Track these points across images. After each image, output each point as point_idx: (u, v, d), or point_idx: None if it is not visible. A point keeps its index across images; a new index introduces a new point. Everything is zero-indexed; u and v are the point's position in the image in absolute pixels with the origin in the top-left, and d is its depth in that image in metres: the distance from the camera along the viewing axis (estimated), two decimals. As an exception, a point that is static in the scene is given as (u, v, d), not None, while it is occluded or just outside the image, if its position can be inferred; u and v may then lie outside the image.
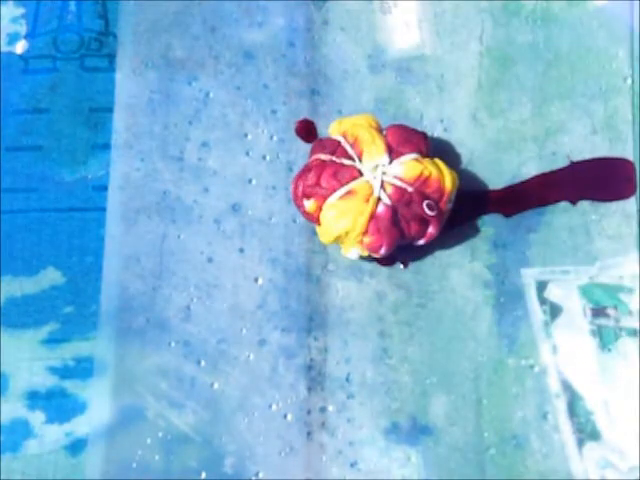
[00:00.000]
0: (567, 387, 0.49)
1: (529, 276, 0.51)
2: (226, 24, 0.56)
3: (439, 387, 0.50)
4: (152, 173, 0.53)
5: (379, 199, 0.49)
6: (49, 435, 0.49)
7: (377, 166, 0.49)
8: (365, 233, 0.49)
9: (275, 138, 0.54)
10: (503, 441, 0.49)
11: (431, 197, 0.49)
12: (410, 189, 0.49)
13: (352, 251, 0.50)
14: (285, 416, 0.49)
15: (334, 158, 0.50)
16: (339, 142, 0.50)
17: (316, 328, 0.51)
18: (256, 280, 0.52)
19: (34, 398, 0.49)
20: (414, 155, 0.49)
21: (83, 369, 0.50)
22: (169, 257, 0.52)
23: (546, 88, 0.54)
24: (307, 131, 0.54)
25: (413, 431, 0.49)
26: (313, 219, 0.50)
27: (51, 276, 0.51)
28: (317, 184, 0.49)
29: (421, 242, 0.50)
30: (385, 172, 0.49)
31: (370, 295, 0.51)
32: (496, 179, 0.53)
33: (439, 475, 0.48)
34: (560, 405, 0.49)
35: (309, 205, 0.50)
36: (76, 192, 0.53)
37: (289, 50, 0.56)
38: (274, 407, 0.49)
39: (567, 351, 0.50)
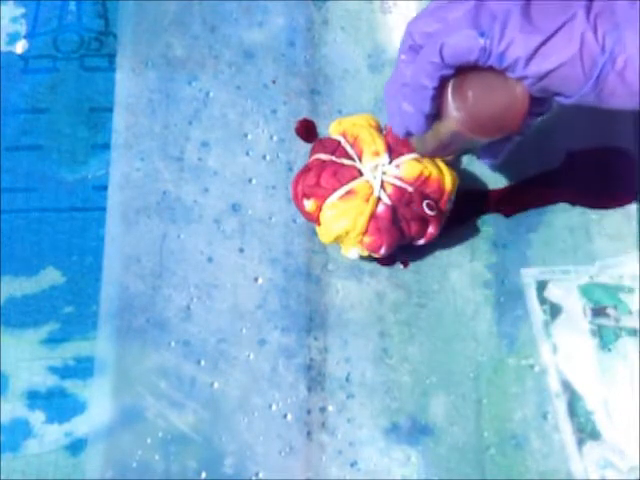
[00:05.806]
0: (567, 387, 0.49)
1: (529, 276, 0.51)
2: (226, 24, 0.56)
3: (439, 387, 0.50)
4: (152, 173, 0.53)
5: (379, 199, 0.49)
6: (49, 435, 0.49)
7: (377, 166, 0.49)
8: (365, 233, 0.48)
9: (275, 138, 0.54)
10: (503, 441, 0.49)
11: (431, 197, 0.49)
12: (410, 189, 0.49)
13: (352, 251, 0.50)
14: (285, 416, 0.49)
15: (334, 158, 0.50)
16: (339, 142, 0.50)
17: (316, 328, 0.51)
18: (256, 280, 0.52)
19: (34, 398, 0.49)
20: (414, 155, 0.49)
21: (83, 369, 0.50)
22: (169, 257, 0.52)
23: (546, 88, 0.54)
24: (307, 131, 0.54)
25: (413, 431, 0.49)
26: (313, 219, 0.50)
27: (51, 276, 0.51)
28: (317, 184, 0.49)
29: (421, 242, 0.50)
30: (385, 172, 0.49)
31: (370, 295, 0.51)
32: (496, 179, 0.53)
33: (439, 475, 0.48)
34: (560, 405, 0.49)
35: (309, 205, 0.50)
36: (76, 192, 0.53)
37: (289, 50, 0.56)
38: (274, 407, 0.49)
39: (567, 351, 0.50)
